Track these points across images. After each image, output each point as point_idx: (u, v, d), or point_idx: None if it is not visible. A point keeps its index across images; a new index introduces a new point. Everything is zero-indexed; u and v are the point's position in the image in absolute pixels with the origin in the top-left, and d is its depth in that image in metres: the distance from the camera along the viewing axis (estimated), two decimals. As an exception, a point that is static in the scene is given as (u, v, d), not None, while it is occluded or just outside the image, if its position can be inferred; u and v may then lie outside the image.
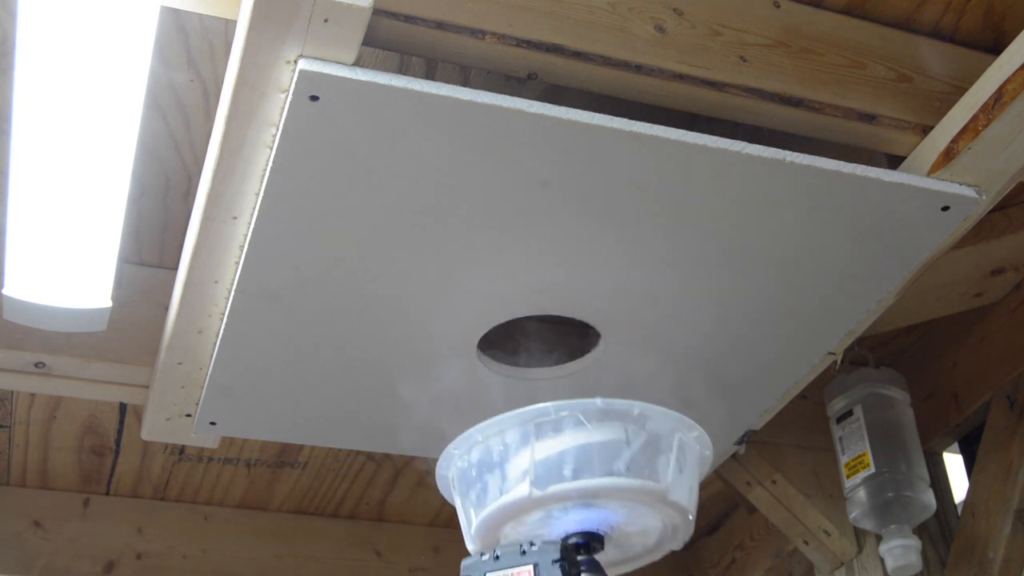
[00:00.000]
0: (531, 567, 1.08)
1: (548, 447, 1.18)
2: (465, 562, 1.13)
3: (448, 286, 1.39)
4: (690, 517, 1.21)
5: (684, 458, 1.21)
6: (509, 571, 1.09)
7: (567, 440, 1.18)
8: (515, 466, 1.20)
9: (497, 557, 1.11)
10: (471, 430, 1.21)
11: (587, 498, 1.17)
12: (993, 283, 1.81)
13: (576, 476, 1.16)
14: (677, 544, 1.24)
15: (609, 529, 1.19)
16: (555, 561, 1.07)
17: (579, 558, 1.15)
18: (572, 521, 1.18)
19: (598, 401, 1.18)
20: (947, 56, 1.42)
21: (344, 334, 1.45)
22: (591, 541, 1.18)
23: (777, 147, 1.27)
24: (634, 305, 1.45)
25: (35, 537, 2.08)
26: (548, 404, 1.19)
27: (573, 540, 1.17)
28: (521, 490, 1.18)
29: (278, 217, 1.27)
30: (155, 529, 2.16)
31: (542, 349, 1.59)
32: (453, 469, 1.24)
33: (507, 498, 1.18)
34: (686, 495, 1.20)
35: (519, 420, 1.20)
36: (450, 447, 1.24)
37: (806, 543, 1.94)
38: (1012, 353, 1.84)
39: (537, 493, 1.16)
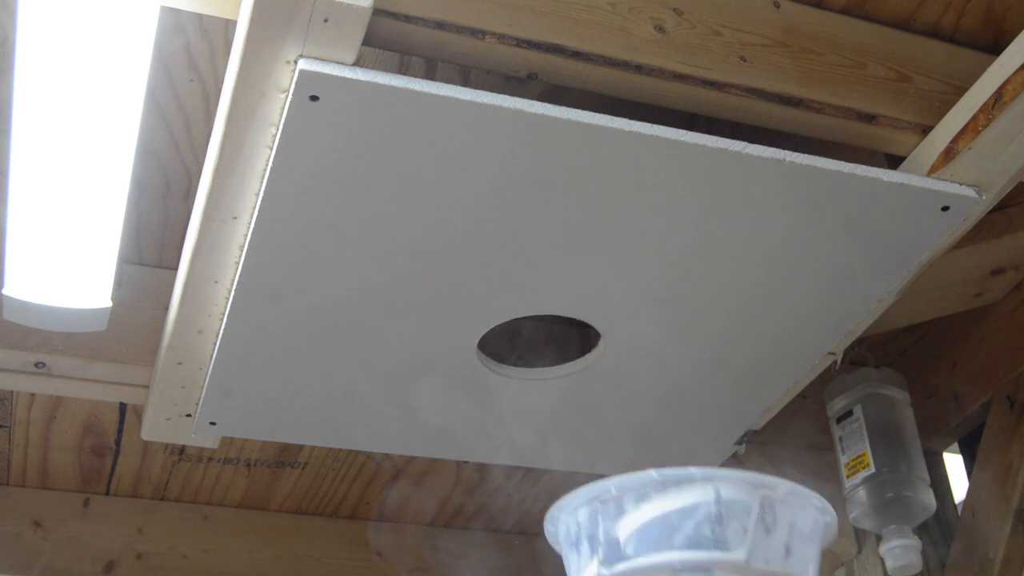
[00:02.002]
0: None
1: (623, 523, 1.16)
2: None
3: (448, 285, 1.39)
4: None
5: (774, 520, 1.13)
6: None
7: (640, 513, 1.16)
8: (589, 544, 1.17)
9: None
10: (604, 482, 1.17)
11: (655, 574, 1.14)
12: (993, 283, 1.81)
13: (637, 553, 1.12)
14: None
15: None
16: None
17: None
18: None
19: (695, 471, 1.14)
20: (947, 56, 1.42)
21: (344, 334, 1.45)
22: None
23: (777, 147, 1.27)
24: (634, 305, 1.45)
25: (35, 537, 2.08)
26: (614, 480, 1.15)
27: None
28: (591, 571, 1.15)
29: (278, 217, 1.27)
30: (155, 529, 2.16)
31: (542, 349, 1.60)
32: (561, 528, 1.23)
33: (585, 570, 1.15)
34: (779, 559, 1.12)
35: (588, 496, 1.16)
36: (552, 510, 1.19)
37: (806, 543, 1.94)
38: (1012, 353, 1.84)
39: (605, 572, 1.13)
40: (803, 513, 1.15)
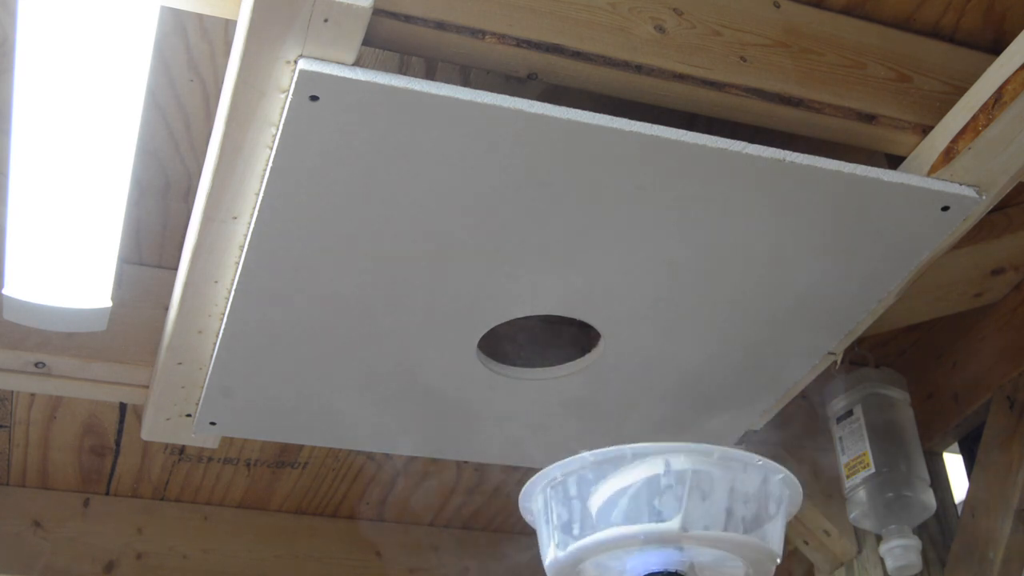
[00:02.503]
0: None
1: (572, 505, 1.19)
2: None
3: (448, 285, 1.39)
4: (755, 546, 1.18)
5: (710, 486, 1.16)
6: None
7: (584, 496, 1.19)
8: (546, 529, 1.23)
9: None
10: (550, 468, 1.21)
11: (604, 550, 1.17)
12: (993, 283, 1.81)
13: (582, 534, 1.17)
14: (767, 571, 1.21)
15: (683, 567, 1.17)
16: None
17: None
18: (642, 563, 1.17)
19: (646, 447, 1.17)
20: (947, 56, 1.42)
21: (344, 334, 1.45)
22: None
23: (777, 147, 1.27)
24: (634, 305, 1.45)
25: (35, 537, 2.08)
26: (584, 456, 1.19)
27: None
28: (550, 554, 1.20)
29: (278, 217, 1.27)
30: (155, 529, 2.16)
31: (542, 349, 1.60)
32: (533, 515, 1.25)
33: (545, 563, 1.21)
34: (718, 524, 1.15)
35: (564, 469, 1.20)
36: (529, 483, 1.24)
37: (806, 543, 1.94)
38: (1012, 353, 1.84)
39: (561, 554, 1.19)
40: (744, 475, 1.17)
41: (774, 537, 1.20)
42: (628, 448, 1.17)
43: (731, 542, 1.16)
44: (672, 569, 1.17)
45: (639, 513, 1.15)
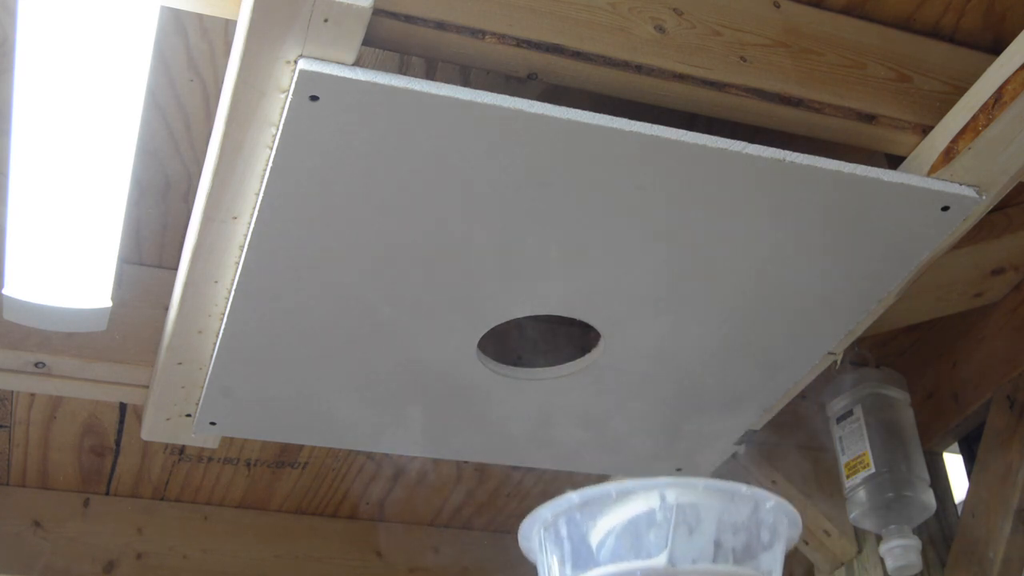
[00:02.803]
0: None
1: (554, 549, 1.18)
2: None
3: (448, 285, 1.39)
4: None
5: (696, 519, 1.15)
6: None
7: (570, 539, 1.18)
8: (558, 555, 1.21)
9: None
10: (540, 509, 1.19)
11: None
12: (993, 283, 1.81)
13: (572, 573, 1.16)
14: None
15: None
16: None
17: None
18: None
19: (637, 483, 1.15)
20: (947, 56, 1.42)
21: (344, 334, 1.45)
22: None
23: (777, 147, 1.27)
24: (634, 305, 1.45)
25: (35, 537, 2.08)
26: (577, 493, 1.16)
27: None
28: None
29: (278, 217, 1.27)
30: (155, 529, 2.16)
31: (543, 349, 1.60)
32: (532, 542, 1.25)
33: None
34: (706, 557, 1.13)
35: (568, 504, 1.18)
36: (524, 524, 1.22)
37: (806, 543, 1.94)
38: (1012, 353, 1.84)
39: None
40: (732, 505, 1.16)
41: (771, 566, 1.18)
42: (612, 487, 1.15)
43: (721, 574, 1.14)
44: None
45: (627, 550, 1.14)
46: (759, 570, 1.16)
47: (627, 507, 1.15)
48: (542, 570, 1.21)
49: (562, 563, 1.18)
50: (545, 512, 1.17)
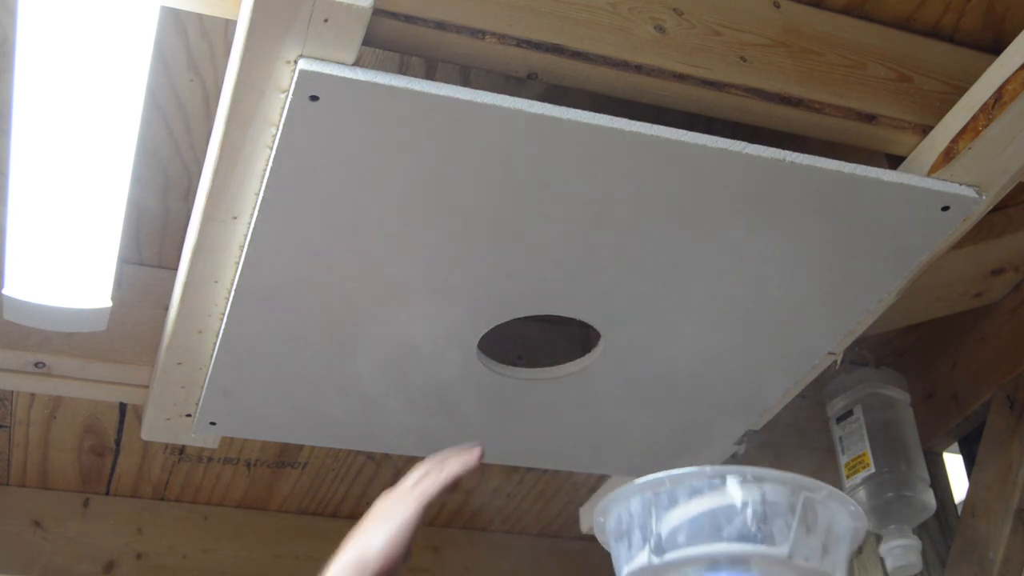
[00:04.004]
0: None
1: (673, 514, 1.19)
2: None
3: (448, 286, 1.39)
4: None
5: (814, 520, 1.18)
6: None
7: (690, 507, 1.19)
8: (641, 533, 1.22)
9: None
10: (657, 475, 1.21)
11: (702, 564, 1.17)
12: (993, 283, 1.81)
13: (686, 544, 1.17)
14: None
15: None
16: None
17: None
18: None
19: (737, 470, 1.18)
20: (947, 56, 1.42)
21: (344, 334, 1.45)
22: None
23: (777, 147, 1.27)
24: (634, 305, 1.45)
25: (35, 537, 2.08)
26: (670, 473, 1.19)
27: None
28: (641, 559, 1.20)
29: (278, 217, 1.27)
30: (155, 529, 2.16)
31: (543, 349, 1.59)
32: (611, 519, 1.25)
33: (630, 566, 1.21)
34: (816, 557, 1.17)
35: (643, 488, 1.21)
36: (604, 501, 1.24)
37: (806, 543, 1.94)
38: (1012, 353, 1.84)
39: (656, 560, 1.18)
40: (839, 516, 1.19)
41: (806, 552, 1.20)
42: (749, 470, 1.18)
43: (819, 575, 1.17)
44: None
45: (748, 536, 1.16)
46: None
47: (736, 493, 1.18)
48: (640, 534, 1.22)
49: (673, 532, 1.19)
50: (663, 478, 1.19)
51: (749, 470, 1.19)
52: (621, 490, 1.22)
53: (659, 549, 1.19)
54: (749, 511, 1.17)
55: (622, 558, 1.22)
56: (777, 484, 1.18)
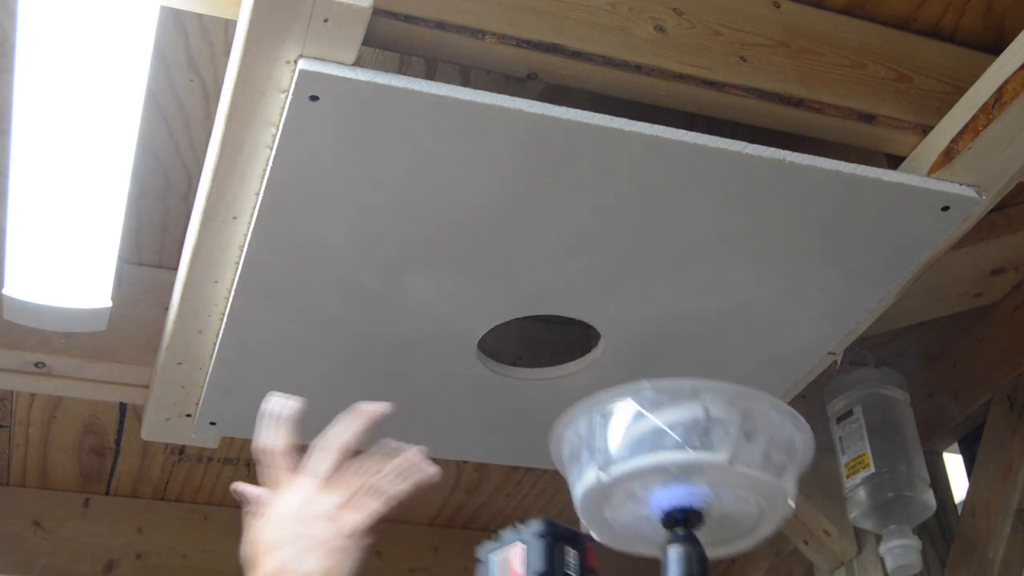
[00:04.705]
0: (520, 543, 1.11)
1: (617, 432, 1.22)
2: (480, 546, 1.17)
3: (448, 285, 1.39)
4: (779, 493, 1.21)
5: (755, 429, 1.21)
6: (506, 549, 1.13)
7: (634, 423, 1.21)
8: (589, 452, 1.25)
9: (498, 537, 1.15)
10: (599, 394, 1.22)
11: (647, 477, 1.19)
12: (993, 283, 1.81)
13: (632, 457, 1.20)
14: (774, 523, 1.25)
15: (703, 504, 1.21)
16: (539, 536, 1.11)
17: (676, 531, 1.19)
18: (669, 496, 1.21)
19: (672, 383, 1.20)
20: (947, 56, 1.42)
21: (344, 334, 1.45)
22: (689, 516, 1.20)
23: (777, 147, 1.27)
24: (634, 305, 1.45)
25: (35, 537, 2.08)
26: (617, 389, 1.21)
27: (674, 514, 1.20)
28: (590, 477, 1.22)
29: (278, 217, 1.27)
30: (155, 529, 2.16)
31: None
32: (565, 446, 1.27)
33: (581, 486, 1.23)
34: (758, 464, 1.19)
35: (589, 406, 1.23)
36: (556, 430, 1.26)
37: (806, 543, 1.94)
38: (1012, 353, 1.84)
39: (604, 477, 1.20)
40: (782, 426, 1.22)
41: (790, 489, 1.23)
42: (688, 383, 1.20)
43: (765, 484, 1.20)
44: (695, 506, 1.20)
45: (689, 444, 1.18)
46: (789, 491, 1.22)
47: (683, 407, 1.20)
48: (587, 454, 1.23)
49: (616, 447, 1.21)
50: (604, 396, 1.21)
51: (688, 383, 1.21)
52: (569, 415, 1.24)
53: (605, 465, 1.21)
54: (690, 423, 1.19)
55: (575, 481, 1.23)
56: (717, 395, 1.20)
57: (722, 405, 1.21)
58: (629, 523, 1.27)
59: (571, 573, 1.11)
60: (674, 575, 1.16)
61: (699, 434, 1.19)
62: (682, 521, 1.20)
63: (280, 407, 1.13)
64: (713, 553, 1.31)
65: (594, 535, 1.31)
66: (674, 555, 1.18)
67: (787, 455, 1.23)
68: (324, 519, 1.08)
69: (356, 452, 1.15)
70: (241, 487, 1.12)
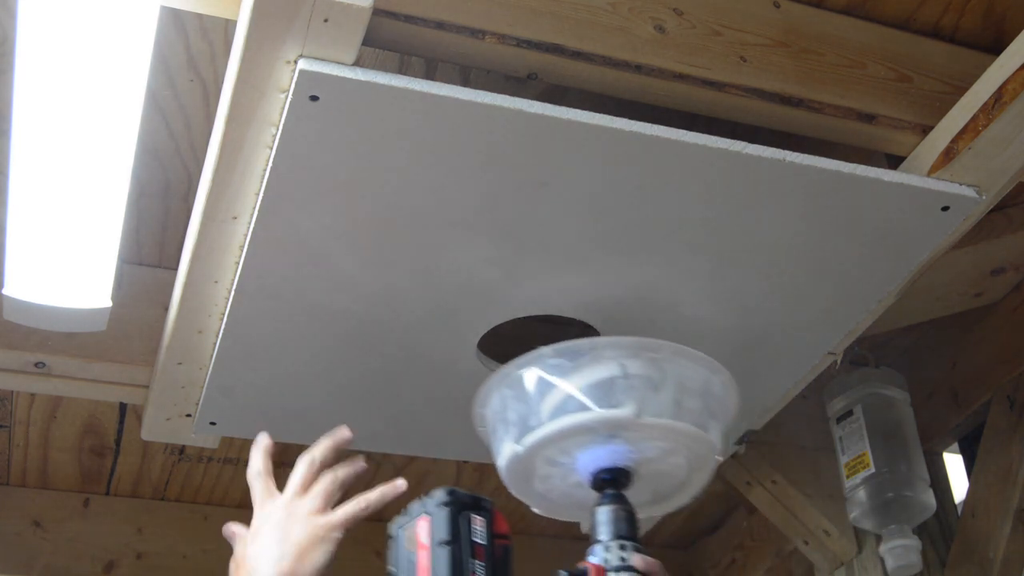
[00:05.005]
0: (425, 515, 1.12)
1: (526, 403, 1.24)
2: (391, 522, 1.18)
3: (447, 285, 1.39)
4: (701, 442, 1.22)
5: (662, 379, 1.22)
6: (413, 522, 1.13)
7: (541, 392, 1.23)
8: (504, 426, 1.27)
9: (406, 511, 1.15)
10: (506, 366, 1.25)
11: (562, 442, 1.21)
12: (993, 283, 1.81)
13: (540, 425, 1.22)
14: (704, 477, 1.26)
15: (628, 462, 1.21)
16: (441, 505, 1.11)
17: (606, 492, 1.20)
18: (592, 459, 1.22)
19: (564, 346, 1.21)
20: (947, 56, 1.42)
21: (344, 334, 1.45)
22: (618, 476, 1.21)
23: (777, 147, 1.27)
24: (634, 305, 1.45)
25: (35, 537, 2.08)
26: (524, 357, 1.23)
27: (601, 475, 1.21)
28: (507, 450, 1.25)
29: (278, 217, 1.27)
30: (155, 529, 2.15)
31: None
32: (488, 424, 1.30)
33: (502, 460, 1.26)
34: (668, 413, 1.20)
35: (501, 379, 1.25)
36: (476, 408, 1.28)
37: (806, 543, 1.94)
38: (1012, 353, 1.84)
39: (519, 449, 1.23)
40: (692, 372, 1.23)
41: (715, 435, 1.24)
42: (586, 342, 1.22)
43: (679, 432, 1.20)
44: (621, 464, 1.21)
45: (595, 404, 1.19)
46: (709, 435, 1.22)
47: (590, 370, 1.21)
48: (502, 428, 1.26)
49: (526, 417, 1.23)
50: (510, 368, 1.23)
51: (586, 343, 1.22)
52: (482, 393, 1.26)
53: (519, 437, 1.23)
54: (595, 383, 1.20)
55: (496, 454, 1.25)
56: (617, 351, 1.21)
57: (626, 360, 1.21)
58: (565, 492, 1.28)
59: (478, 540, 1.10)
60: (602, 535, 1.17)
61: (604, 392, 1.19)
62: (611, 481, 1.20)
63: (258, 440, 1.22)
64: (656, 510, 1.32)
65: (533, 508, 1.32)
66: (600, 515, 1.18)
67: (703, 400, 1.24)
68: (299, 521, 1.15)
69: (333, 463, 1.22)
70: (232, 528, 1.26)
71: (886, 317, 1.57)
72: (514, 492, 1.32)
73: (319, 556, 1.15)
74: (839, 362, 1.61)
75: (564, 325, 1.66)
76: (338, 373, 1.51)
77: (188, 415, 1.59)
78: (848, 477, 1.81)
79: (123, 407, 1.97)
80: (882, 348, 1.96)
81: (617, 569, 1.15)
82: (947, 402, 1.95)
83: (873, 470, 1.78)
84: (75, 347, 1.57)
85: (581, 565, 1.15)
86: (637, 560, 1.15)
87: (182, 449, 2.06)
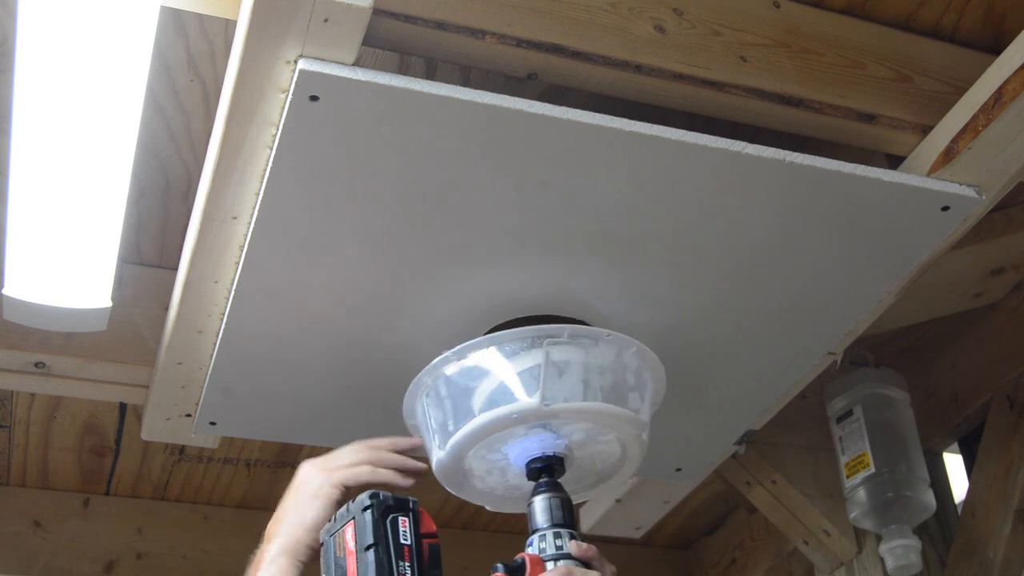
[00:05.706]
0: (351, 521, 1.14)
1: (442, 408, 1.28)
2: (323, 528, 1.20)
3: (448, 286, 1.39)
4: (620, 418, 1.24)
5: (566, 364, 1.24)
6: (341, 528, 1.15)
7: (453, 396, 1.27)
8: (428, 435, 1.30)
9: (335, 518, 1.18)
10: (419, 375, 1.29)
11: (481, 442, 1.24)
12: (993, 283, 1.81)
13: (456, 429, 1.25)
14: (639, 448, 1.29)
15: (558, 450, 1.23)
16: (364, 508, 1.13)
17: (540, 480, 1.22)
18: (522, 451, 1.24)
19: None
20: (947, 56, 1.42)
21: (344, 334, 1.45)
22: (550, 464, 1.23)
23: (777, 147, 1.27)
24: (634, 305, 1.45)
25: (35, 537, 2.08)
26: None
27: (534, 465, 1.24)
28: (435, 457, 1.27)
29: (278, 217, 1.27)
30: (155, 529, 2.16)
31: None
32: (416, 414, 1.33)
33: (434, 467, 1.28)
34: (577, 396, 1.22)
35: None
36: (407, 422, 1.31)
37: (806, 543, 1.94)
38: (1012, 353, 1.84)
39: (442, 455, 1.25)
40: (597, 350, 1.25)
41: (637, 406, 1.27)
42: (485, 339, 1.25)
43: (592, 411, 1.22)
44: (550, 452, 1.23)
45: (505, 400, 1.22)
46: (627, 408, 1.25)
47: (502, 366, 1.24)
48: (427, 436, 1.28)
49: (444, 423, 1.25)
50: (424, 376, 1.27)
51: (485, 339, 1.25)
52: (406, 407, 1.28)
53: (441, 443, 1.25)
54: (500, 378, 1.22)
55: (431, 462, 1.28)
56: (518, 343, 1.24)
57: (526, 351, 1.24)
58: (509, 487, 1.30)
59: (404, 541, 1.12)
60: (539, 523, 1.19)
61: (511, 386, 1.22)
62: (544, 469, 1.23)
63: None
64: (605, 489, 1.34)
65: (485, 506, 1.33)
66: (536, 505, 1.21)
67: (613, 375, 1.25)
68: (304, 475, 1.27)
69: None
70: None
71: (886, 317, 1.57)
72: (456, 494, 1.33)
73: (309, 512, 1.20)
74: (839, 362, 1.61)
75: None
76: (338, 373, 1.51)
77: (188, 415, 1.59)
78: (848, 477, 1.81)
79: (123, 407, 1.97)
80: (882, 348, 1.96)
81: (554, 558, 1.16)
82: (947, 402, 1.95)
83: (873, 470, 1.78)
84: (75, 347, 1.57)
85: (518, 556, 1.16)
86: (573, 547, 1.17)
87: (182, 449, 2.06)
